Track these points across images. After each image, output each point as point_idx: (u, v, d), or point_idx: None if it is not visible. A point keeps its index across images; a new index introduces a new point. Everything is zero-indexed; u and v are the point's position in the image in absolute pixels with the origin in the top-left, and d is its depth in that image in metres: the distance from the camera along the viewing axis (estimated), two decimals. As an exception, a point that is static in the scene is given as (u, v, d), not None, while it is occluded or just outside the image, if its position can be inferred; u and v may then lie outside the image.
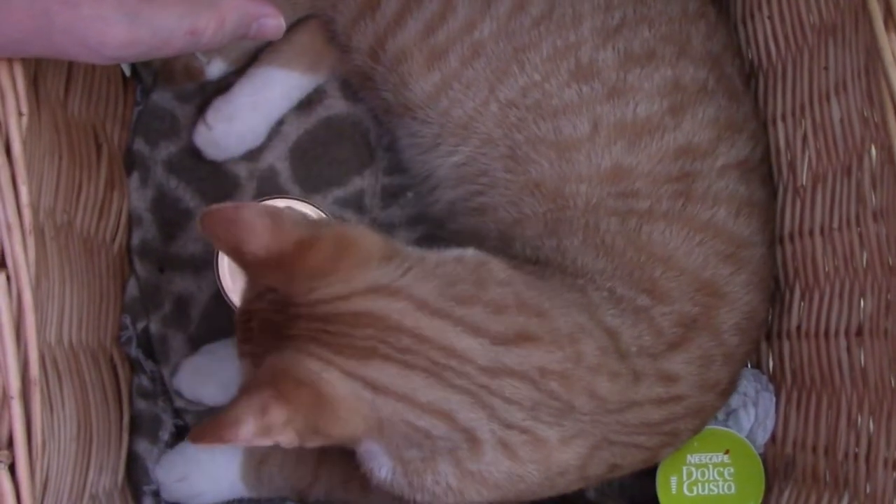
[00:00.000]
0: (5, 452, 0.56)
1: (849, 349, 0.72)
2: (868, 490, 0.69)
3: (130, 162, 0.87)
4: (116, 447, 0.78)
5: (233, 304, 0.84)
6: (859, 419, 0.71)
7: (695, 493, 0.82)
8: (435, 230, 0.88)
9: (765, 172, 0.82)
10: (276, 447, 0.76)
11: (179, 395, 0.84)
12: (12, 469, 0.56)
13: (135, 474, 0.81)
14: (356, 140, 0.90)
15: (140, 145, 0.87)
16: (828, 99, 0.74)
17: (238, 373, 0.67)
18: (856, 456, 0.71)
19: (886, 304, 0.67)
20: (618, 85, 0.76)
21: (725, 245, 0.75)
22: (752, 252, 0.77)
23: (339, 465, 0.80)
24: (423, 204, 0.87)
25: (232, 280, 0.84)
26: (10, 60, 0.58)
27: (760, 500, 0.81)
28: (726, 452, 0.82)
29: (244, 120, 0.86)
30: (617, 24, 0.78)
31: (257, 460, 0.80)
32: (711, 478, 0.82)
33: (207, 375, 0.84)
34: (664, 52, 0.78)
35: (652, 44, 0.78)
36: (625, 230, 0.74)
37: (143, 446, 0.81)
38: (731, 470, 0.82)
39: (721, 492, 0.82)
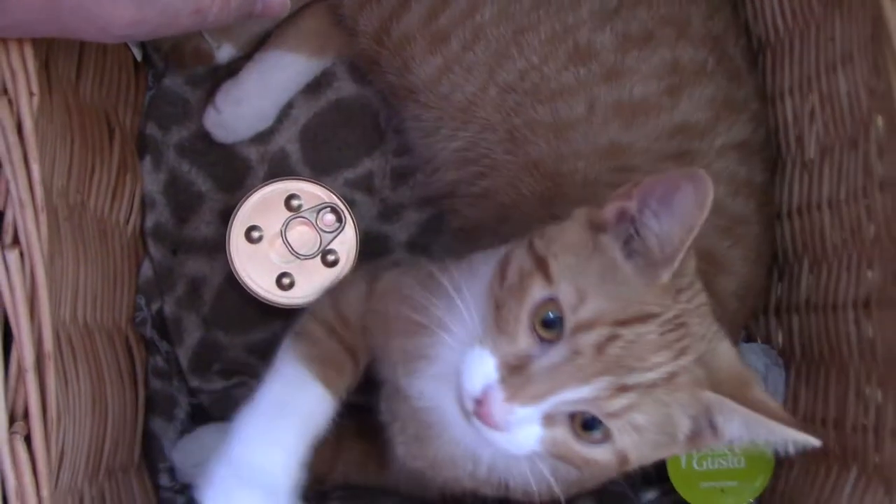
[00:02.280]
0: (21, 424, 0.57)
1: (857, 321, 0.72)
2: (877, 461, 0.69)
3: (143, 146, 0.88)
4: (132, 425, 0.79)
5: (245, 285, 0.85)
6: (867, 391, 0.71)
7: (704, 467, 0.82)
8: (441, 209, 0.89)
9: (766, 157, 0.82)
10: None
11: (173, 470, 0.83)
12: (28, 440, 0.57)
13: (151, 452, 0.82)
14: (365, 122, 0.91)
15: (152, 129, 0.88)
16: (835, 71, 0.74)
17: None
18: (864, 428, 0.71)
19: (894, 275, 0.66)
20: (615, 67, 0.76)
21: (723, 220, 0.75)
22: (749, 229, 0.78)
23: (356, 450, 0.81)
24: (426, 184, 0.88)
25: (243, 262, 0.85)
26: (20, 41, 0.59)
27: (770, 475, 0.81)
28: (737, 427, 0.82)
29: (253, 103, 0.87)
30: (615, 6, 0.78)
31: None
32: (721, 452, 0.82)
33: (206, 453, 0.82)
34: (662, 33, 0.78)
35: (650, 25, 0.78)
36: None
37: (158, 424, 0.82)
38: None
39: (731, 466, 0.82)
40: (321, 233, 0.85)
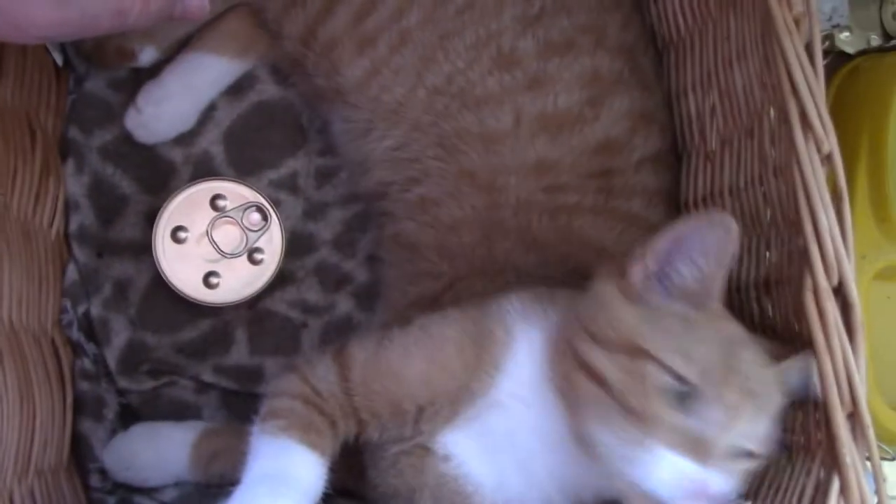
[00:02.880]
0: (-54, 421, 0.57)
1: (758, 300, 0.77)
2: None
3: (65, 149, 0.88)
4: (60, 426, 0.80)
5: (173, 285, 0.86)
6: (769, 365, 0.75)
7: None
8: (368, 207, 0.91)
9: (671, 161, 0.86)
10: (229, 442, 0.79)
11: (107, 471, 0.83)
12: (-46, 438, 0.57)
13: (80, 453, 0.82)
14: (288, 123, 0.93)
15: (74, 133, 0.88)
16: (731, 66, 0.78)
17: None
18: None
19: (788, 254, 0.71)
20: (538, 74, 0.79)
21: (642, 231, 0.80)
22: None
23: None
24: (356, 183, 0.89)
25: (170, 262, 0.86)
26: (-62, 42, 0.59)
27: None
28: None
29: (174, 103, 0.88)
30: (537, 13, 0.81)
31: (208, 456, 0.81)
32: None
33: (137, 455, 0.82)
34: (582, 41, 0.81)
35: (570, 33, 0.81)
36: (555, 225, 0.78)
37: (87, 426, 0.83)
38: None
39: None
40: (247, 231, 0.87)
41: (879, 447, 0.93)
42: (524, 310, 0.68)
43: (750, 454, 0.62)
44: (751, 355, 0.63)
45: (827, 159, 0.66)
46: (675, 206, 0.87)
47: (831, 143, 0.66)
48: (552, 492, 0.67)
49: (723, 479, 0.60)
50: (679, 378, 0.60)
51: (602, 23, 0.83)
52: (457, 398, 0.66)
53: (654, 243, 0.64)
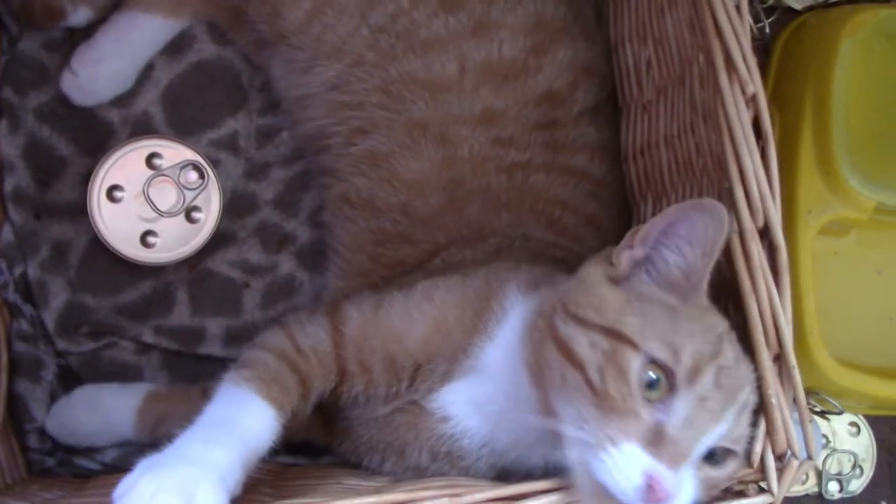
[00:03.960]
0: None
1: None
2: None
3: (-1, 110, 0.87)
4: (-8, 385, 0.79)
5: (109, 245, 0.86)
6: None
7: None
8: (310, 166, 0.90)
9: (609, 112, 0.86)
10: (175, 406, 0.79)
11: (52, 438, 0.82)
12: None
13: (17, 413, 0.82)
14: (228, 82, 0.92)
15: (8, 94, 0.88)
16: (663, 14, 0.78)
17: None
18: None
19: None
20: (482, 18, 0.79)
21: (591, 186, 0.80)
22: (609, 190, 0.83)
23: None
24: (295, 132, 0.88)
25: (106, 222, 0.85)
26: None
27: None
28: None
29: (109, 64, 0.88)
30: None
31: (154, 420, 0.81)
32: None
33: (80, 422, 0.82)
34: None
35: None
36: (514, 184, 0.78)
37: (23, 386, 0.82)
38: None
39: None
40: (184, 190, 0.86)
41: (827, 401, 0.94)
42: (524, 293, 0.68)
43: (725, 454, 0.59)
44: (733, 353, 0.60)
45: (752, 101, 0.66)
46: (617, 159, 0.87)
47: (756, 85, 0.65)
48: (535, 451, 0.66)
49: (687, 485, 0.56)
50: (658, 368, 0.57)
51: None
52: (453, 358, 0.67)
53: (643, 229, 0.62)
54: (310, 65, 0.83)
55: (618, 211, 0.85)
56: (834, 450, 0.97)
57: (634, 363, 0.57)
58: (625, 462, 0.55)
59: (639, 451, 0.55)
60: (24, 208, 0.87)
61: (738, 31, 0.66)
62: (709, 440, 0.57)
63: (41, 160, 0.88)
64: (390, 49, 0.80)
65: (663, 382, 0.57)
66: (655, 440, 0.56)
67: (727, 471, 0.60)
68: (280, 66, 0.86)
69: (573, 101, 0.81)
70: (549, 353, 0.60)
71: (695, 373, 0.57)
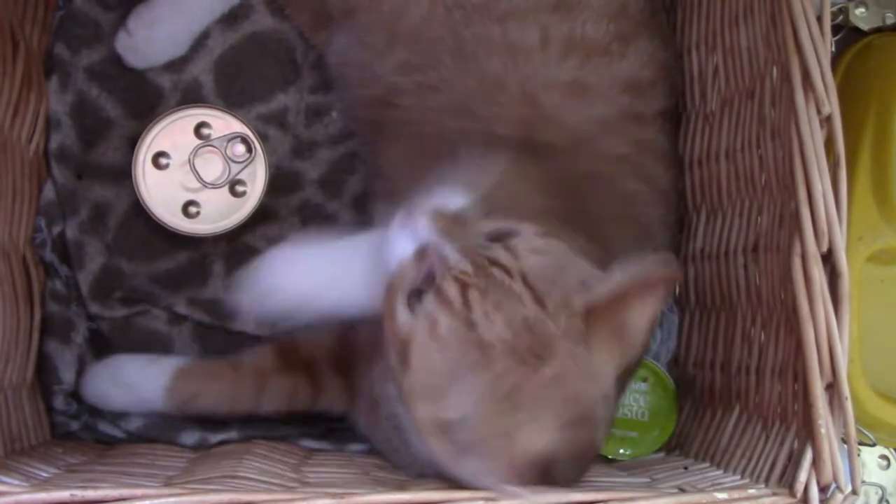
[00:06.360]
0: None
1: (745, 266, 0.75)
2: (756, 400, 0.72)
3: (50, 65, 0.86)
4: (25, 345, 0.78)
5: (150, 211, 0.84)
6: (752, 333, 0.74)
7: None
8: (357, 147, 0.89)
9: (675, 122, 0.84)
10: (205, 385, 0.79)
11: (71, 394, 0.82)
12: None
13: (45, 373, 0.81)
14: (281, 57, 0.90)
15: (61, 49, 0.86)
16: (737, 24, 0.76)
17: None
18: (748, 369, 0.74)
19: (780, 218, 0.69)
20: None
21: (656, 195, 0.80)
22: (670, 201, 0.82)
23: (283, 384, 0.81)
24: (352, 107, 0.87)
25: (149, 188, 0.84)
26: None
27: (671, 432, 0.83)
28: (645, 381, 0.84)
29: (165, 27, 0.86)
30: None
31: (185, 399, 0.80)
32: (626, 403, 0.84)
33: (109, 395, 0.81)
34: None
35: None
36: (604, 182, 0.76)
37: (53, 346, 0.81)
38: (648, 399, 0.84)
39: (634, 418, 0.84)
40: (230, 163, 0.85)
41: (860, 432, 0.92)
42: None
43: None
44: None
45: (826, 121, 0.64)
46: (681, 172, 0.85)
47: (832, 105, 0.64)
48: None
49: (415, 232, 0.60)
50: None
51: None
52: None
53: None
54: (378, 45, 0.80)
55: (672, 220, 0.83)
56: (862, 482, 0.95)
57: None
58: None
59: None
60: (68, 167, 0.85)
61: (819, 49, 0.64)
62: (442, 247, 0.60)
63: (88, 119, 0.87)
64: (465, 19, 0.77)
65: None
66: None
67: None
68: (341, 42, 0.84)
69: (654, 97, 0.79)
70: None
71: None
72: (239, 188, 0.85)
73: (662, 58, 0.81)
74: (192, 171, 0.84)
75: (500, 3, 0.77)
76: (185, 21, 0.87)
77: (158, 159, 0.84)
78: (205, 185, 0.84)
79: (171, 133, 0.84)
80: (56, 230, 0.84)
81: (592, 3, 0.77)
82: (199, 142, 0.84)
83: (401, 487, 0.65)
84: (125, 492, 0.56)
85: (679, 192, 0.84)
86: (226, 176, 0.85)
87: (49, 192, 0.84)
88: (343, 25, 0.83)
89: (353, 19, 0.81)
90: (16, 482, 0.61)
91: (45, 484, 0.64)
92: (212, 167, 0.85)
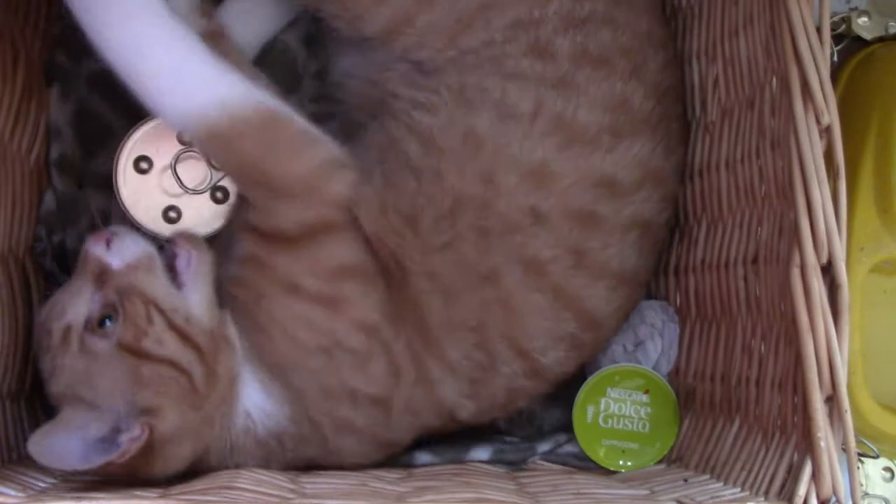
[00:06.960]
0: None
1: (745, 277, 0.75)
2: (756, 411, 0.71)
3: (51, 75, 0.86)
4: (23, 353, 0.78)
5: (130, 216, 0.84)
6: (752, 345, 0.73)
7: (609, 425, 0.83)
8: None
9: (660, 237, 0.82)
10: None
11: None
12: None
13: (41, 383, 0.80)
14: (282, 65, 0.90)
15: (62, 59, 0.87)
16: (737, 34, 0.76)
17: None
18: (748, 380, 0.73)
19: (779, 229, 0.69)
20: (567, 77, 0.76)
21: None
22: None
23: None
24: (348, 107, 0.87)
25: (129, 192, 0.84)
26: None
27: (671, 443, 0.83)
28: (646, 392, 0.84)
29: None
30: (583, 17, 0.77)
31: None
32: (628, 414, 0.83)
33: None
34: (619, 63, 0.77)
35: (609, 50, 0.77)
36: (526, 279, 0.76)
37: (52, 356, 0.81)
38: (649, 410, 0.84)
39: (635, 429, 0.84)
40: (212, 168, 0.85)
41: (863, 443, 0.92)
42: None
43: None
44: None
45: (826, 132, 0.64)
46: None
47: (831, 115, 0.63)
48: None
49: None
50: None
51: (644, 54, 0.79)
52: None
53: None
54: (384, 66, 0.81)
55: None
56: (866, 494, 0.95)
57: None
58: None
59: None
60: (68, 176, 0.86)
61: (818, 58, 0.64)
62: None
63: (88, 128, 0.87)
64: (474, 67, 0.77)
65: None
66: None
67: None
68: (347, 56, 0.85)
69: (629, 202, 0.77)
70: None
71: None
72: (219, 194, 0.85)
73: (657, 165, 0.78)
74: (174, 176, 0.84)
75: (510, 61, 0.77)
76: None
77: (139, 163, 0.84)
78: (186, 190, 0.84)
79: (154, 137, 0.84)
80: (56, 239, 0.85)
81: (591, 89, 0.76)
82: (181, 147, 0.85)
83: (399, 499, 0.65)
84: (122, 503, 0.55)
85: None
86: (207, 182, 0.85)
87: (49, 201, 0.85)
88: (350, 42, 0.83)
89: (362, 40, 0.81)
90: (13, 492, 0.61)
91: (42, 494, 0.64)
92: (194, 173, 0.85)
